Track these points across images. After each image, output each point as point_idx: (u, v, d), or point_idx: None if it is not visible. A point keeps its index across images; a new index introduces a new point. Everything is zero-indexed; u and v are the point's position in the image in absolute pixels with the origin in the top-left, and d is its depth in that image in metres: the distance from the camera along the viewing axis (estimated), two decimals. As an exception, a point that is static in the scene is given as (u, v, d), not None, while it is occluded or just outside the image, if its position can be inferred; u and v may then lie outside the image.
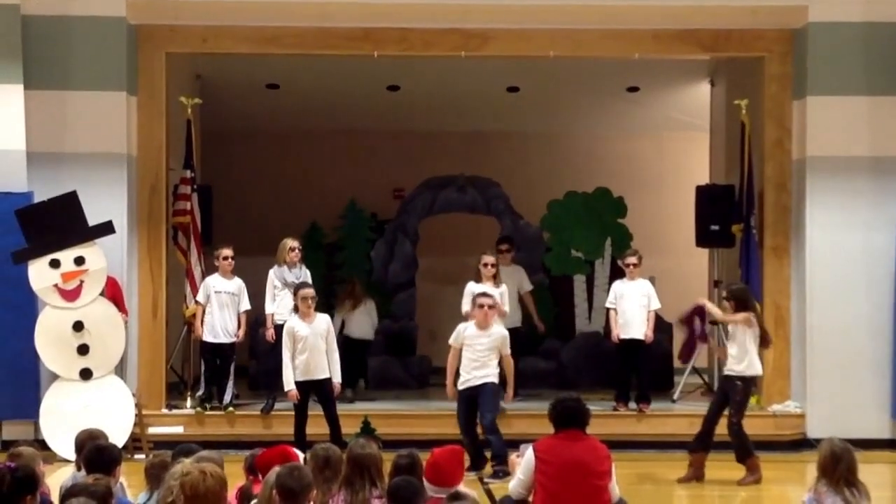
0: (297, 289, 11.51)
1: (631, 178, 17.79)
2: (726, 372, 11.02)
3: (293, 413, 12.55)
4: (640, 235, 15.47)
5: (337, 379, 11.48)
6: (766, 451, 11.08)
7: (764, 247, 13.30)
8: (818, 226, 12.96)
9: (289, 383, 11.28)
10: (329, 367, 11.38)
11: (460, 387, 11.17)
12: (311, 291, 11.43)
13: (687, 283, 16.65)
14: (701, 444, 10.99)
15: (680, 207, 16.23)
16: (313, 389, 11.38)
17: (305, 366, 11.30)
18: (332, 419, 11.40)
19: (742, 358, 10.87)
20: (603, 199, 15.65)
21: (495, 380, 11.10)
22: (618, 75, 16.11)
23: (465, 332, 11.16)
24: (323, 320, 11.50)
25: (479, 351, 11.09)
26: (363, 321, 14.27)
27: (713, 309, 11.31)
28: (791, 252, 13.22)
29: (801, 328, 12.98)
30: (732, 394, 10.90)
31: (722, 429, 10.97)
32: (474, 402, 11.14)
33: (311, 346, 11.28)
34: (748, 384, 10.96)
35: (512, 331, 13.32)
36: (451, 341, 11.24)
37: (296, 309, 11.47)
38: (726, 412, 10.92)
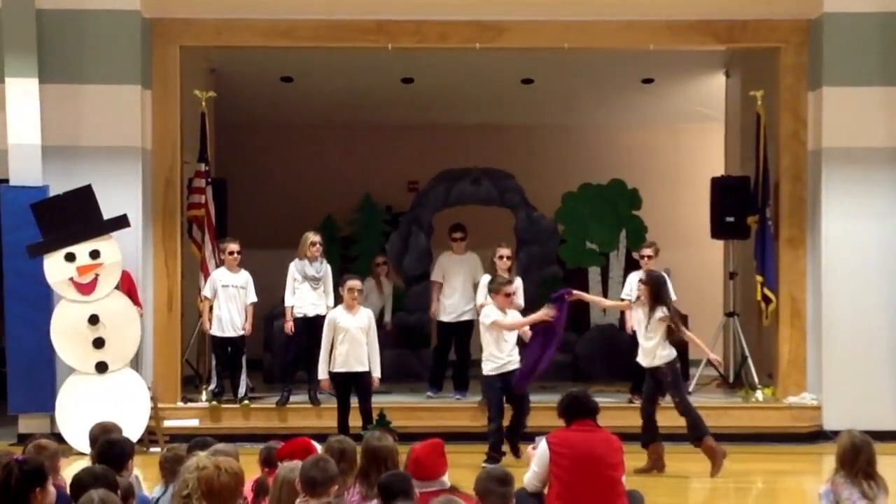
0: (343, 280, 11.57)
1: (646, 169, 17.73)
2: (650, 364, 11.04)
3: (310, 406, 12.65)
4: (654, 227, 15.43)
5: (376, 373, 11.52)
6: (783, 443, 11.08)
7: (779, 238, 13.27)
8: (834, 217, 12.92)
9: (322, 372, 11.32)
10: (369, 360, 11.43)
11: (495, 372, 11.21)
12: (357, 283, 11.54)
13: (702, 275, 16.63)
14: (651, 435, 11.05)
15: (695, 199, 16.18)
16: (352, 382, 11.41)
17: (345, 357, 11.36)
18: (366, 413, 11.45)
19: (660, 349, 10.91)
20: (618, 191, 15.61)
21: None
22: (633, 67, 16.06)
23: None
24: (365, 314, 11.57)
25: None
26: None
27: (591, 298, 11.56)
28: (807, 243, 13.18)
29: (817, 320, 12.95)
30: (663, 378, 10.93)
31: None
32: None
33: (352, 339, 11.35)
34: (673, 364, 11.05)
35: (467, 323, 13.41)
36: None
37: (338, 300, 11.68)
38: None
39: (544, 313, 11.23)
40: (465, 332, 13.54)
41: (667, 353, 10.96)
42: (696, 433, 10.92)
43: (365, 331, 11.47)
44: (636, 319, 11.21)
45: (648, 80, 16.87)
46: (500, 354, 11.21)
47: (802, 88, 13.19)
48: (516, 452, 11.02)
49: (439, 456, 6.93)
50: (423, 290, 14.46)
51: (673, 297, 12.87)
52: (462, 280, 13.54)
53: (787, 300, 13.09)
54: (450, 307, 13.56)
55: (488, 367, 11.25)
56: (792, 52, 13.22)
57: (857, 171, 12.92)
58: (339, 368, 11.36)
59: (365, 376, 11.45)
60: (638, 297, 11.24)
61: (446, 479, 6.74)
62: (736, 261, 14.61)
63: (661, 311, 10.92)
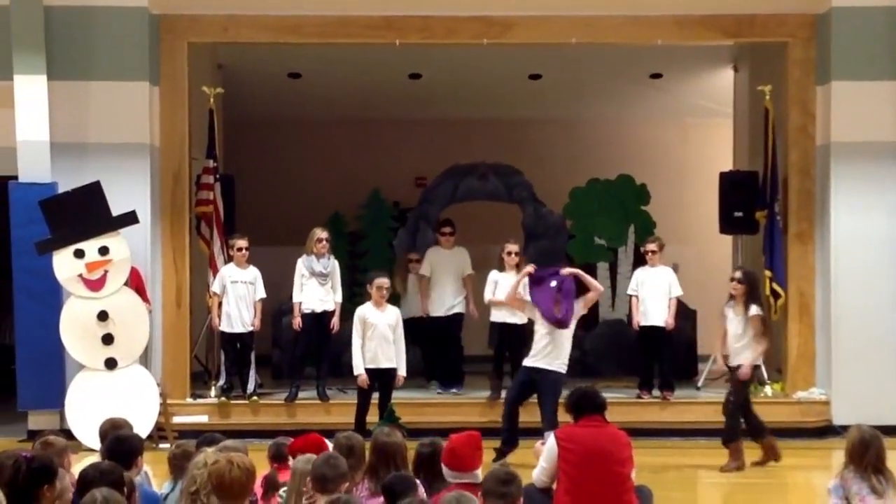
0: (371, 277, 11.57)
1: (654, 164, 17.74)
2: (735, 363, 10.99)
3: (318, 402, 12.65)
4: (663, 222, 15.42)
5: (402, 371, 11.52)
6: (791, 437, 11.08)
7: (788, 233, 13.25)
8: (842, 212, 12.90)
9: (358, 368, 11.33)
10: (395, 357, 11.46)
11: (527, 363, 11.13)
12: (386, 281, 11.53)
13: (710, 270, 16.62)
14: (758, 431, 11.02)
15: (703, 194, 16.18)
16: (377, 378, 11.43)
17: (373, 354, 11.36)
18: (384, 409, 11.46)
19: (746, 349, 10.87)
20: (626, 186, 15.60)
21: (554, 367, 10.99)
22: (640, 62, 16.05)
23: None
24: (393, 311, 11.58)
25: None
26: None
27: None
28: (815, 238, 13.16)
29: (826, 315, 12.93)
30: (733, 375, 10.93)
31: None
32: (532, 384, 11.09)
33: (380, 336, 11.35)
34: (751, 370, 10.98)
35: (457, 316, 13.39)
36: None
37: (351, 296, 11.70)
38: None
39: (525, 272, 11.19)
40: (456, 325, 13.56)
41: (749, 355, 10.89)
42: (728, 436, 10.91)
43: (393, 328, 11.48)
44: (729, 318, 11.09)
45: (656, 75, 16.86)
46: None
47: (811, 83, 13.16)
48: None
49: (475, 449, 6.95)
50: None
51: (680, 291, 12.91)
52: (451, 274, 13.57)
53: (796, 295, 13.08)
54: (439, 301, 13.57)
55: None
56: (800, 47, 13.20)
57: (865, 165, 12.90)
58: (367, 365, 11.36)
59: (391, 373, 11.45)
60: (731, 297, 11.14)
61: (479, 473, 6.75)
62: (744, 256, 14.60)
63: (755, 309, 10.88)
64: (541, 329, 10.93)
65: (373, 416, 11.32)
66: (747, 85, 15.67)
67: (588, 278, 11.05)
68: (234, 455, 5.84)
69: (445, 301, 13.58)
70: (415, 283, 13.93)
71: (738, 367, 10.91)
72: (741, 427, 10.99)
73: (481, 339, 13.52)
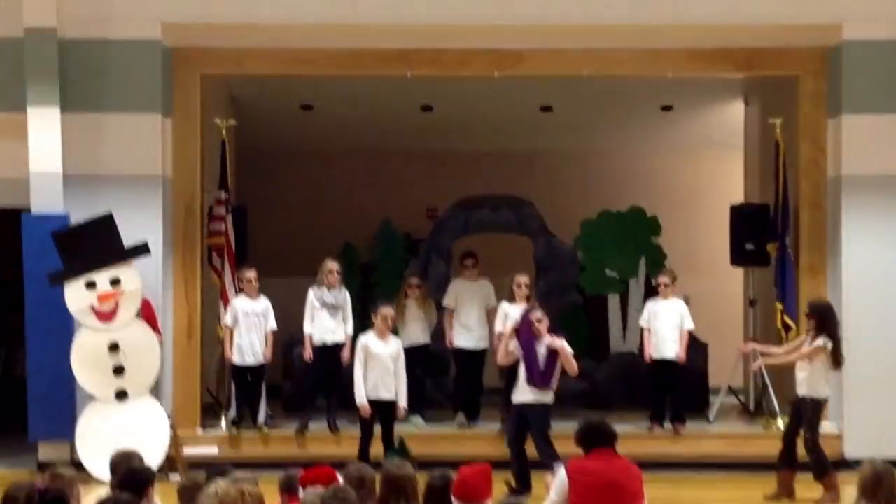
0: (377, 307, 11.56)
1: (665, 196, 17.73)
2: (799, 394, 11.03)
3: (329, 433, 12.63)
4: (674, 254, 15.41)
5: (403, 403, 11.51)
6: (804, 471, 11.00)
7: (799, 266, 13.23)
8: (854, 244, 12.88)
9: (360, 397, 11.32)
10: (396, 389, 11.44)
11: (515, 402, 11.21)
12: (390, 311, 11.54)
13: (722, 303, 16.59)
14: (785, 463, 11.01)
15: (714, 226, 16.16)
16: (378, 409, 11.41)
17: (374, 384, 11.37)
18: (388, 441, 11.45)
19: (811, 381, 10.86)
20: (637, 218, 15.59)
21: (550, 399, 11.21)
22: (652, 94, 16.07)
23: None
24: (395, 342, 11.59)
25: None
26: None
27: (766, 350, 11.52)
28: (827, 271, 13.14)
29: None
30: (804, 410, 10.89)
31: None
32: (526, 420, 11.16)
33: (383, 366, 11.37)
34: (819, 403, 10.96)
35: (481, 352, 13.31)
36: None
37: (361, 327, 11.80)
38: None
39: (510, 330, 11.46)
40: (479, 359, 13.50)
41: (815, 388, 10.93)
42: (819, 473, 10.89)
43: (395, 359, 11.48)
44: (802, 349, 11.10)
45: (668, 108, 16.88)
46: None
47: (822, 116, 13.16)
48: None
49: (486, 481, 6.94)
50: (442, 318, 14.42)
51: (692, 325, 12.88)
52: (476, 306, 13.50)
53: (808, 328, 13.03)
54: (466, 333, 13.48)
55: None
56: (811, 80, 13.21)
57: (877, 198, 12.89)
58: (368, 396, 11.35)
59: (392, 405, 11.45)
60: (787, 333, 11.20)
61: None
62: (756, 288, 14.57)
63: (821, 340, 10.87)
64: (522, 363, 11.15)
65: (377, 449, 11.31)
66: (758, 117, 15.68)
67: (567, 357, 11.14)
68: (244, 485, 5.84)
69: (473, 333, 13.49)
70: (414, 309, 13.57)
71: (804, 398, 10.93)
72: (827, 459, 11.01)
73: (492, 371, 13.48)
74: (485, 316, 13.46)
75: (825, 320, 10.97)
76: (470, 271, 13.67)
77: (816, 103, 13.19)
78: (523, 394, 11.14)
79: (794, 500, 10.95)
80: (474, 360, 13.49)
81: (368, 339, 11.47)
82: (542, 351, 11.12)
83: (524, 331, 11.25)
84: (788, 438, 11.07)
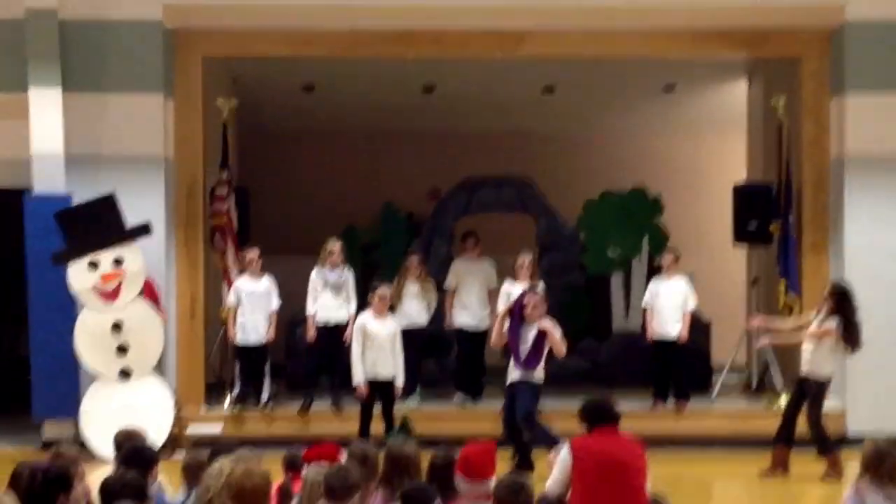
0: (373, 287, 11.58)
1: (667, 177, 17.71)
2: (802, 372, 11.10)
3: (332, 411, 12.66)
4: (676, 234, 15.41)
5: (400, 382, 11.54)
6: (808, 448, 11.03)
7: (802, 245, 13.23)
8: (856, 223, 12.88)
9: (358, 378, 11.35)
10: (394, 368, 11.52)
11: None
12: (387, 291, 11.59)
13: (724, 282, 16.60)
14: (782, 438, 11.06)
15: (717, 206, 16.15)
16: (377, 388, 11.43)
17: (373, 364, 11.39)
18: (389, 419, 11.47)
19: (817, 360, 10.89)
20: (639, 198, 15.58)
21: (538, 378, 11.19)
22: (654, 75, 16.06)
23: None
24: (393, 322, 11.61)
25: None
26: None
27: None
28: (829, 250, 13.15)
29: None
30: (808, 389, 10.93)
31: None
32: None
33: (381, 346, 11.39)
34: (823, 383, 11.01)
35: (482, 332, 13.30)
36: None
37: (362, 307, 11.80)
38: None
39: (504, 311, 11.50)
40: (481, 339, 13.51)
41: (821, 367, 10.96)
42: (823, 447, 10.97)
43: (392, 338, 11.51)
44: (811, 328, 11.13)
45: (670, 88, 16.86)
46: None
47: (825, 95, 13.16)
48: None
49: (490, 459, 6.95)
50: (444, 298, 14.42)
51: (694, 305, 12.90)
52: (477, 286, 13.51)
53: (810, 306, 13.04)
54: (467, 313, 13.49)
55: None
56: (814, 60, 13.20)
57: (879, 177, 12.89)
58: (366, 375, 11.37)
59: (390, 384, 11.47)
60: (790, 312, 11.24)
61: (492, 483, 6.76)
62: (758, 267, 14.58)
63: (831, 321, 10.88)
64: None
65: (377, 428, 11.34)
66: (761, 97, 15.66)
67: (554, 339, 11.16)
68: (251, 464, 5.86)
69: (474, 313, 13.50)
70: (414, 289, 13.42)
71: (807, 377, 11.01)
72: (830, 437, 11.08)
73: (495, 351, 13.49)
74: (486, 296, 13.47)
75: (845, 303, 11.00)
76: (471, 251, 13.68)
77: (819, 83, 13.17)
78: (513, 373, 11.18)
79: (788, 476, 10.99)
80: (476, 339, 13.50)
81: (366, 319, 11.50)
82: (530, 334, 11.13)
83: (516, 313, 11.28)
84: (789, 415, 11.13)
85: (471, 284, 13.49)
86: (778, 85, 14.38)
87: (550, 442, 10.70)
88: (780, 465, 11.04)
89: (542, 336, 11.13)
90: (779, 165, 13.42)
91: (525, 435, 10.92)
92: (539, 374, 11.15)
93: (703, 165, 18.68)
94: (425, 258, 14.67)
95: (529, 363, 11.11)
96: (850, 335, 10.95)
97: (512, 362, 11.22)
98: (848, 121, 12.88)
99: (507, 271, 12.98)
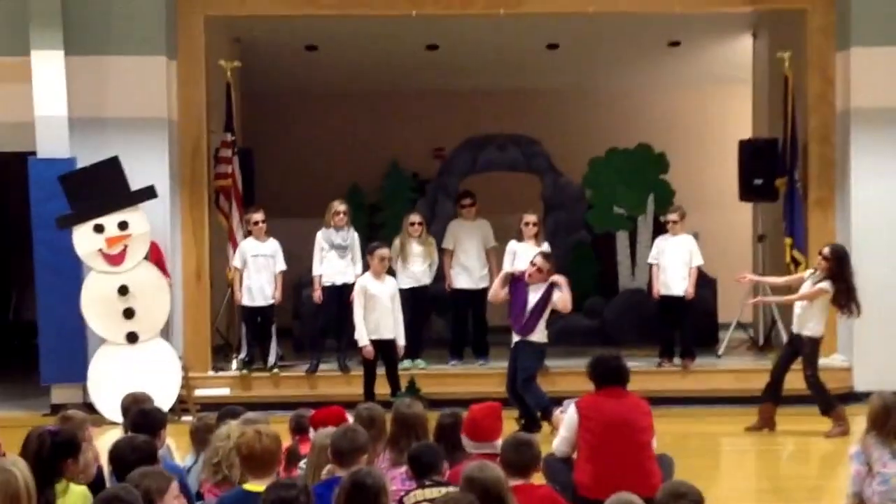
0: (372, 248, 11.56)
1: (673, 133, 17.64)
2: (795, 330, 11.11)
3: (339, 373, 12.68)
4: (682, 191, 15.36)
5: (402, 341, 11.55)
6: (813, 404, 11.05)
7: (808, 200, 13.20)
8: (863, 178, 12.85)
9: (363, 339, 11.34)
10: (394, 328, 11.50)
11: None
12: (387, 251, 11.56)
13: (730, 238, 16.57)
14: (769, 396, 11.04)
15: (723, 162, 16.10)
16: (380, 349, 11.44)
17: (375, 325, 11.39)
18: (394, 380, 11.48)
19: (809, 320, 10.88)
20: (644, 155, 15.53)
21: (538, 338, 11.13)
22: (659, 30, 15.95)
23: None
24: (392, 282, 11.62)
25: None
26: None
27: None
28: (836, 205, 13.12)
29: (846, 281, 12.88)
30: (801, 348, 10.92)
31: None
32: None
33: (382, 306, 11.37)
34: (816, 341, 10.98)
35: (481, 291, 13.31)
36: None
37: (367, 267, 11.66)
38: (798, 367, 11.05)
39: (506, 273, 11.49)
40: (480, 298, 13.51)
41: (812, 327, 10.96)
42: (825, 407, 10.99)
43: (392, 298, 11.50)
44: (804, 286, 11.12)
45: (675, 43, 16.76)
46: None
47: (830, 49, 13.08)
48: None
49: (496, 419, 6.97)
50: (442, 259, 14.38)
51: (701, 261, 12.88)
52: (475, 246, 13.50)
53: (816, 262, 13.02)
54: (465, 274, 13.49)
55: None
56: (819, 13, 13.12)
57: (886, 131, 12.85)
58: (370, 336, 11.37)
59: (393, 343, 11.48)
60: (815, 270, 11.20)
61: (499, 444, 6.77)
62: (764, 223, 14.55)
63: (825, 284, 10.85)
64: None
65: (382, 389, 11.35)
66: (766, 52, 15.56)
67: (565, 296, 11.13)
68: (261, 426, 5.88)
69: (473, 273, 13.50)
70: (417, 248, 13.33)
71: (799, 336, 11.01)
72: (830, 392, 11.11)
73: (501, 311, 13.49)
74: (484, 255, 13.48)
75: (841, 266, 10.96)
76: (468, 211, 13.66)
77: (825, 36, 13.10)
78: (516, 334, 11.17)
79: (773, 432, 11.00)
80: (475, 300, 13.49)
81: (366, 280, 11.47)
82: (531, 297, 11.11)
83: (521, 277, 11.27)
84: (777, 373, 11.15)
85: (468, 245, 13.50)
86: (783, 39, 14.28)
87: (542, 405, 10.72)
88: (766, 422, 11.07)
89: (546, 297, 11.11)
90: (784, 120, 13.36)
91: (526, 397, 10.93)
92: (542, 334, 11.13)
93: (709, 121, 18.61)
94: (430, 217, 14.67)
95: (528, 327, 11.08)
96: (847, 300, 10.92)
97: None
98: (854, 75, 12.82)
99: (512, 230, 12.95)
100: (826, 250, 11.19)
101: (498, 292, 11.45)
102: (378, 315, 11.37)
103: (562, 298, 11.13)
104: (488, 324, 13.74)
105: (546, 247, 12.35)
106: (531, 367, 11.11)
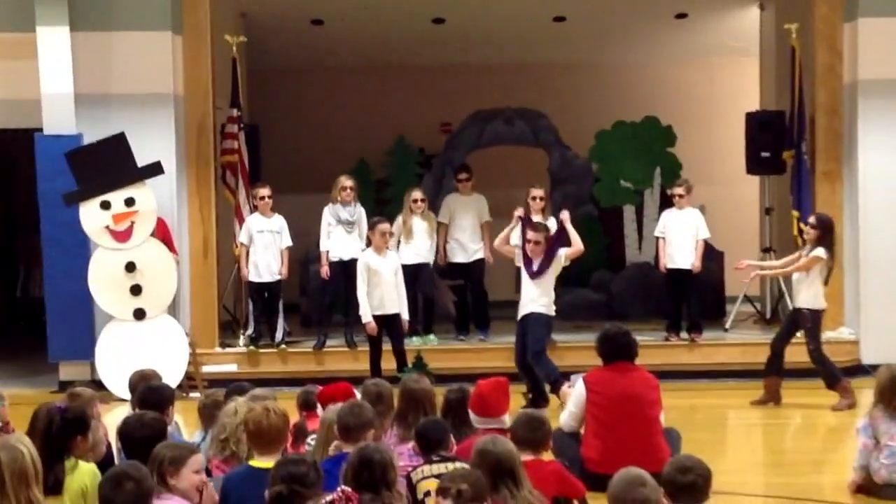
0: (373, 223, 11.53)
1: (680, 106, 17.60)
2: (796, 304, 11.04)
3: (346, 349, 12.70)
4: (689, 164, 15.33)
5: (406, 315, 11.55)
6: (818, 377, 11.04)
7: (815, 173, 13.17)
8: (870, 150, 12.81)
9: (367, 316, 11.33)
10: (398, 302, 11.48)
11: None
12: (388, 226, 11.54)
13: (737, 211, 16.55)
14: (772, 369, 11.01)
15: (730, 135, 16.05)
16: (385, 324, 11.44)
17: (379, 300, 11.37)
18: (400, 355, 11.48)
19: (807, 291, 10.85)
20: (651, 128, 15.50)
21: (542, 309, 11.04)
22: (665, 2, 15.91)
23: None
24: (394, 257, 11.63)
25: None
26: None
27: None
28: (843, 177, 13.09)
29: (855, 254, 12.87)
30: (803, 322, 10.89)
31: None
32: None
33: (385, 281, 11.36)
34: (817, 313, 10.92)
35: (479, 262, 13.30)
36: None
37: (367, 243, 11.66)
38: (801, 340, 11.00)
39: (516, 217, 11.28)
40: (478, 271, 13.49)
41: (812, 298, 10.89)
42: (830, 381, 10.95)
43: (395, 273, 11.50)
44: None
45: (682, 15, 16.70)
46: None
47: (838, 20, 13.02)
48: None
49: (503, 394, 6.98)
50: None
51: (707, 234, 12.86)
52: (470, 221, 13.48)
53: (805, 233, 12.99)
54: (459, 248, 13.48)
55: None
56: (826, -17, 13.06)
57: (893, 103, 12.81)
58: (374, 312, 11.37)
59: (397, 318, 11.47)
60: (803, 241, 11.19)
61: (506, 419, 6.78)
62: (772, 196, 14.52)
63: (818, 251, 10.82)
64: (524, 278, 11.00)
65: (389, 363, 11.35)
66: (774, 23, 15.50)
67: (572, 233, 11.01)
68: (269, 402, 5.89)
69: (466, 248, 13.50)
70: (421, 224, 13.22)
71: (800, 309, 10.93)
72: (835, 365, 11.08)
73: (508, 285, 13.48)
74: (479, 230, 13.46)
75: (826, 234, 10.91)
76: (464, 185, 13.64)
77: (832, 7, 13.04)
78: (523, 307, 11.06)
79: (780, 406, 11.00)
80: (471, 272, 13.48)
81: (368, 256, 11.44)
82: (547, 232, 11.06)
83: (525, 221, 11.18)
84: (778, 346, 11.11)
85: (463, 219, 13.48)
86: (790, 10, 14.22)
87: (552, 378, 10.69)
88: (772, 396, 11.05)
89: (557, 237, 11.03)
90: (792, 93, 13.31)
91: (537, 370, 10.88)
92: (550, 306, 11.05)
93: (716, 93, 18.56)
94: (436, 192, 14.66)
95: (541, 269, 10.92)
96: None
97: (523, 296, 11.06)
98: (861, 46, 12.77)
99: (519, 204, 12.90)
100: (812, 219, 11.19)
101: (505, 239, 11.35)
102: (382, 291, 11.35)
103: (573, 244, 11.02)
104: (488, 296, 13.72)
105: (552, 222, 12.33)
106: (541, 340, 11.02)
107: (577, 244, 11.01)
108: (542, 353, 10.90)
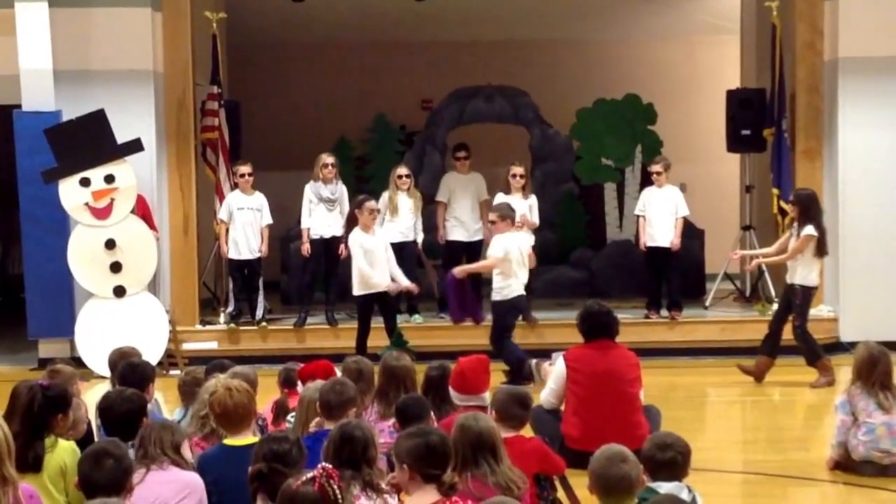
0: (360, 202, 11.52)
1: (660, 83, 17.59)
2: (789, 280, 11.04)
3: (327, 326, 12.69)
4: (670, 142, 15.34)
5: (405, 282, 11.60)
6: (799, 355, 11.09)
7: (796, 150, 13.20)
8: (851, 128, 12.84)
9: (380, 280, 11.36)
10: (393, 276, 11.50)
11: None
12: (375, 203, 11.55)
13: (718, 189, 16.58)
14: (766, 349, 11.06)
15: (710, 112, 16.07)
16: (377, 300, 11.44)
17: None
18: (391, 330, 11.48)
19: (801, 268, 10.87)
20: (632, 105, 15.49)
21: (496, 296, 11.16)
22: (646, -21, 15.90)
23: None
24: (382, 233, 11.64)
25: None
26: None
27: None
28: (823, 155, 13.12)
29: (834, 232, 12.86)
30: (793, 298, 10.91)
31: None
32: None
33: (378, 259, 11.35)
34: (808, 291, 10.93)
35: (476, 244, 13.30)
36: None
37: (353, 221, 11.70)
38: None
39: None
40: (475, 250, 13.49)
41: (805, 276, 10.88)
42: (810, 358, 10.97)
43: (385, 249, 11.51)
44: (791, 241, 11.06)
45: (663, -7, 16.70)
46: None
47: (818, -3, 13.05)
48: None
49: (484, 372, 6.98)
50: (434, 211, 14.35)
51: (686, 211, 12.88)
52: (469, 199, 13.46)
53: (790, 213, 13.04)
54: (460, 226, 13.44)
55: None
56: (807, -39, 13.06)
57: (873, 81, 12.83)
58: (365, 291, 11.36)
59: (387, 295, 11.47)
60: (791, 220, 11.19)
61: (487, 396, 6.79)
62: (752, 174, 14.54)
63: (809, 229, 10.82)
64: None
65: (383, 341, 11.36)
66: (754, 1, 15.51)
67: (476, 267, 11.72)
68: (231, 381, 5.89)
69: (467, 226, 13.46)
70: (407, 202, 13.10)
71: (793, 286, 10.93)
72: (818, 343, 11.11)
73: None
74: (478, 208, 13.43)
75: (809, 209, 10.90)
76: (462, 164, 13.60)
77: (813, -15, 13.05)
78: (494, 294, 11.15)
79: (760, 384, 10.99)
80: (469, 251, 13.48)
81: (360, 237, 11.40)
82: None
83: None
84: (776, 326, 11.11)
85: (462, 198, 13.44)
86: (771, -12, 14.23)
87: (513, 361, 10.71)
88: (757, 374, 11.02)
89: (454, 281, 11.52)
90: (772, 70, 13.32)
91: (499, 355, 10.87)
92: (500, 292, 11.08)
93: (697, 71, 18.57)
94: (418, 169, 14.63)
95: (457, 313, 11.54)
96: (819, 241, 10.88)
97: (494, 280, 11.23)
98: (842, 23, 12.77)
99: (500, 182, 12.92)
100: (792, 196, 11.22)
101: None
102: (375, 269, 11.34)
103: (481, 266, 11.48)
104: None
105: (533, 199, 12.32)
106: (502, 326, 11.13)
107: (487, 266, 11.31)
108: (501, 341, 10.95)
